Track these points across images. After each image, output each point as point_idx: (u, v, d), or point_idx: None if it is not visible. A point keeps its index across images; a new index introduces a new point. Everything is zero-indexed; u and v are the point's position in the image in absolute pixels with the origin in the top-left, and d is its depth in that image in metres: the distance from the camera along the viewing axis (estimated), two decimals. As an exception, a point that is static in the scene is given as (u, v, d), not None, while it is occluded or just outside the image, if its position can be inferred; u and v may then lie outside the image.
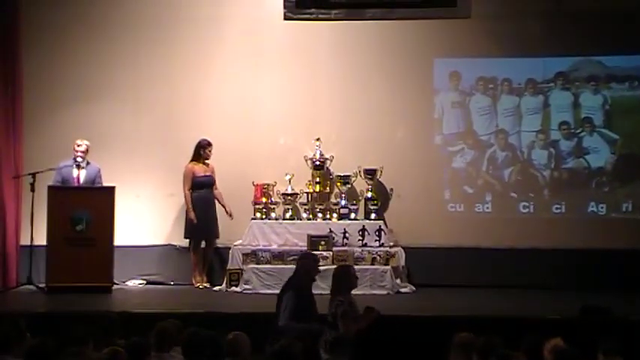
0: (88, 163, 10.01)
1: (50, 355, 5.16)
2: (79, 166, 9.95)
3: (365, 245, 10.06)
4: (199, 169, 10.30)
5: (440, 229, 10.60)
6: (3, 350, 5.41)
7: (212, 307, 8.67)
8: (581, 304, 8.07)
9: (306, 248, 9.90)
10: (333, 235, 10.09)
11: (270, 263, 9.93)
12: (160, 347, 5.71)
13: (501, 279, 10.19)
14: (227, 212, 10.38)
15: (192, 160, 10.28)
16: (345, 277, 7.33)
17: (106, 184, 9.98)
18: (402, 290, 9.87)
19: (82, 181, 10.00)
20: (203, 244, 10.40)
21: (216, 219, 10.34)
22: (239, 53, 10.88)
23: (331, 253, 9.90)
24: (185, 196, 10.23)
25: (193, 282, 10.27)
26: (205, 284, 10.21)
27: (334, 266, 9.32)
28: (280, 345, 5.22)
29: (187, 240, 10.37)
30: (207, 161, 10.34)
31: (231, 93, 10.87)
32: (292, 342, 5.29)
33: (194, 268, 10.29)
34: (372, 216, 10.32)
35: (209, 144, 10.29)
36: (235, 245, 10.16)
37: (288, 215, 10.40)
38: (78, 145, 9.96)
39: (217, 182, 10.43)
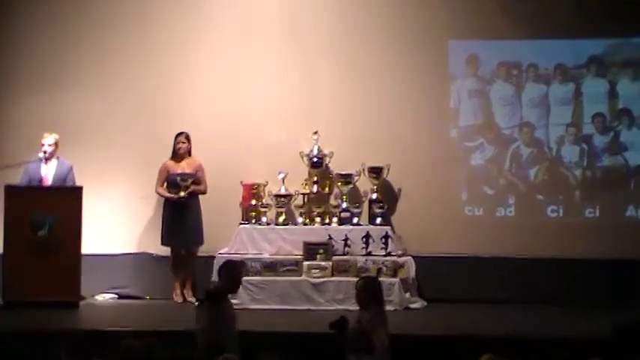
0: (58, 159, 9.70)
1: None
2: (46, 163, 9.61)
3: (369, 254, 9.78)
4: (174, 166, 9.98)
5: (455, 235, 10.27)
6: None
7: (192, 325, 7.90)
8: (616, 323, 7.54)
9: (301, 257, 9.73)
10: (333, 242, 9.82)
11: (260, 275, 9.68)
12: None
13: (525, 293, 9.86)
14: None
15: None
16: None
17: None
18: (412, 306, 9.64)
19: (50, 179, 9.66)
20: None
21: (199, 223, 10.01)
22: (226, 33, 10.56)
23: (330, 263, 9.66)
24: (159, 195, 10.09)
25: (174, 296, 9.97)
26: (190, 298, 9.81)
27: (333, 279, 9.57)
28: None
29: (166, 248, 10.10)
30: (190, 157, 9.97)
31: (217, 79, 10.55)
32: None
33: (175, 280, 10.00)
34: (378, 220, 10.04)
35: (179, 134, 9.96)
36: (221, 254, 9.77)
37: (281, 219, 10.16)
38: (44, 138, 9.63)
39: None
